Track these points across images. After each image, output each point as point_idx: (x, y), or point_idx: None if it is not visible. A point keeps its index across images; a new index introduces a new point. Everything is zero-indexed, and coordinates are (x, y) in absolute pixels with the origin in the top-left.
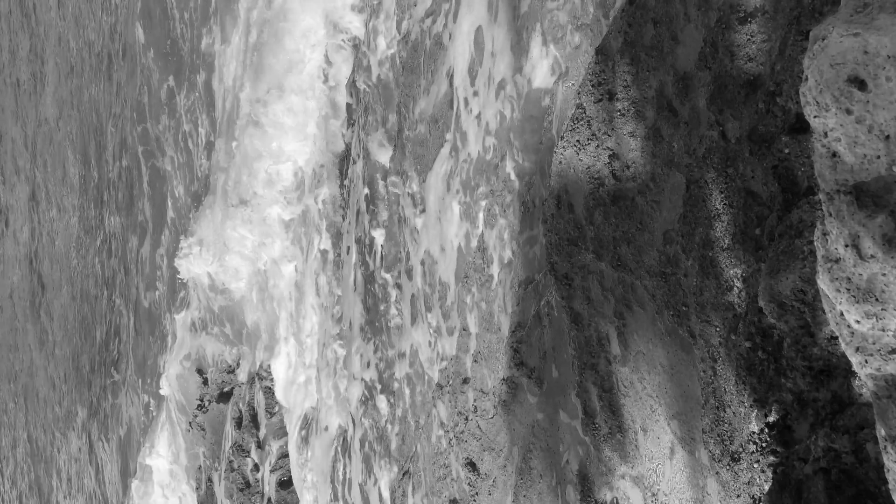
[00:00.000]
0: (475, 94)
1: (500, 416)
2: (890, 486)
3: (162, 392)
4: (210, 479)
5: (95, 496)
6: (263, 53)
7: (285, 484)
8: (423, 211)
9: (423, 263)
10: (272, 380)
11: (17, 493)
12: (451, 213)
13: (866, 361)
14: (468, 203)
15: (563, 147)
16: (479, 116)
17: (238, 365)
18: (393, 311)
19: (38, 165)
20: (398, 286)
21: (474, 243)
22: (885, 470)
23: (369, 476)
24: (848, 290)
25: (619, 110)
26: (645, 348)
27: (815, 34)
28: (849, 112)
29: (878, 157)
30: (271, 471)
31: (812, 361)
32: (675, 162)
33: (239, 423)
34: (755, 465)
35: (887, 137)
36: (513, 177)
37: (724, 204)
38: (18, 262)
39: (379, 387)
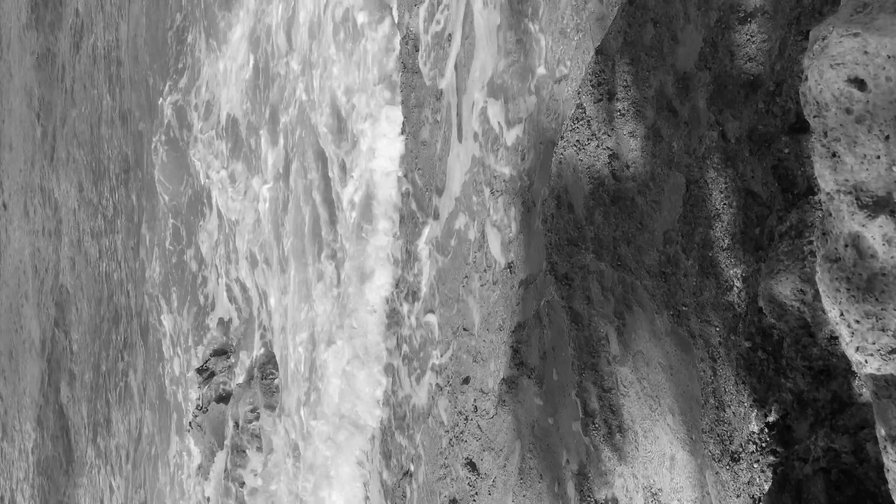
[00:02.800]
0: (474, 94)
1: (500, 416)
2: (890, 486)
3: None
4: (209, 479)
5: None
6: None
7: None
8: (429, 215)
9: (425, 264)
10: (271, 378)
11: None
12: (451, 214)
13: (866, 361)
14: (468, 204)
15: (563, 147)
16: (478, 116)
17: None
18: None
19: None
20: (408, 296)
21: (475, 243)
22: (885, 470)
23: (369, 475)
24: (848, 290)
25: (619, 110)
26: (645, 348)
27: (815, 34)
28: (849, 112)
29: (878, 157)
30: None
31: (812, 361)
32: (675, 162)
33: (238, 424)
34: (755, 465)
35: (887, 137)
36: (513, 177)
37: (724, 204)
38: None
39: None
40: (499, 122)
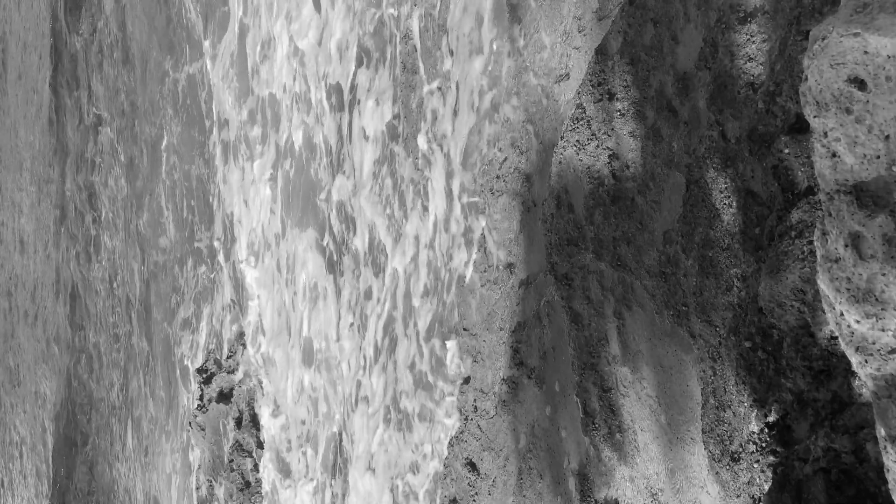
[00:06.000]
0: (474, 94)
1: (500, 416)
2: (890, 486)
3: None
4: (210, 479)
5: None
6: None
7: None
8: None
9: (427, 262)
10: (267, 375)
11: None
12: (450, 215)
13: (866, 361)
14: (468, 204)
15: (563, 147)
16: (478, 116)
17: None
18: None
19: None
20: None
21: (474, 244)
22: (885, 470)
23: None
24: (848, 290)
25: (619, 110)
26: (645, 348)
27: (815, 34)
28: (849, 112)
29: (878, 157)
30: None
31: (812, 361)
32: (675, 162)
33: (239, 423)
34: (755, 465)
35: (887, 137)
36: (513, 177)
37: (724, 204)
38: None
39: (377, 389)
40: (498, 123)
